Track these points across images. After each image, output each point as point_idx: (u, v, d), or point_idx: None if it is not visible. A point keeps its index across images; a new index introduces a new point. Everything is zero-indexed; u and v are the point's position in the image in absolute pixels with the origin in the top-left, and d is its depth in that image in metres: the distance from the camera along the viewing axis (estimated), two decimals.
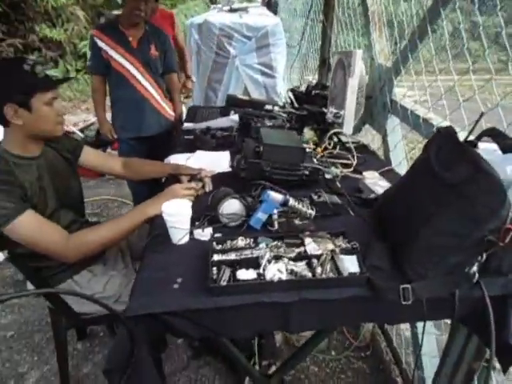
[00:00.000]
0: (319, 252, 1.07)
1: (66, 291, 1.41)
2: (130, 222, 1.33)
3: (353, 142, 1.94)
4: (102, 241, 1.32)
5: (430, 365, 1.57)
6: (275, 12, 4.94)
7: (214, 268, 1.03)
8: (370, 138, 2.18)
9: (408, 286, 0.95)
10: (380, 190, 1.42)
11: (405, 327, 1.85)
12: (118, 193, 3.64)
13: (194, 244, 1.19)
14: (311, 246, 1.09)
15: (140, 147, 2.50)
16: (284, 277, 0.98)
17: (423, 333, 1.06)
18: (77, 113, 6.28)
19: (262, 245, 1.10)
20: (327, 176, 1.54)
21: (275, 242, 1.11)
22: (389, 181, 1.50)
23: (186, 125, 2.27)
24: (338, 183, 1.48)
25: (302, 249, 1.09)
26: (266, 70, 3.54)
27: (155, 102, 2.43)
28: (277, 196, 1.20)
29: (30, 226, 1.25)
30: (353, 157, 1.76)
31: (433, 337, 1.56)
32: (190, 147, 1.96)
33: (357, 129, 2.30)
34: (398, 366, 1.80)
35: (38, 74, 1.28)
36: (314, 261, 1.05)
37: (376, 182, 1.48)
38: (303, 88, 2.75)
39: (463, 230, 0.94)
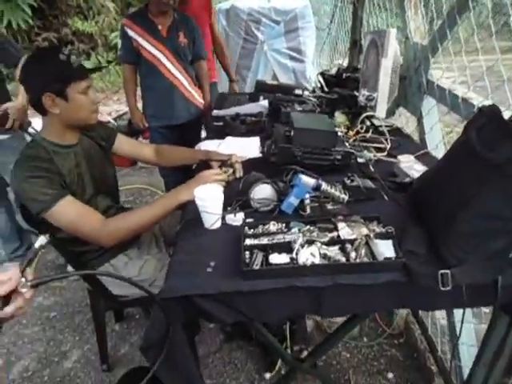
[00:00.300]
0: (353, 237, 1.05)
1: (103, 273, 1.46)
2: (162, 207, 1.35)
3: (386, 126, 1.88)
4: (135, 226, 1.35)
5: (468, 354, 1.52)
6: None
7: (247, 252, 1.04)
8: (404, 121, 2.10)
9: (447, 271, 0.92)
10: (416, 174, 1.37)
11: (440, 316, 1.80)
12: (150, 181, 3.72)
13: (226, 229, 1.20)
14: (345, 231, 1.07)
15: (171, 135, 2.53)
16: (317, 261, 0.97)
17: (462, 321, 1.03)
18: (109, 103, 6.44)
19: (295, 229, 1.09)
20: (360, 160, 1.50)
21: (308, 227, 1.10)
22: (425, 164, 1.45)
23: (216, 111, 2.27)
24: (371, 167, 1.45)
25: (335, 233, 1.08)
26: (295, 55, 3.48)
27: (184, 89, 2.45)
28: (309, 180, 1.18)
29: (69, 211, 1.30)
30: (386, 140, 1.71)
31: (471, 325, 1.51)
32: (220, 134, 1.97)
33: (390, 112, 2.22)
34: (432, 354, 1.75)
35: (73, 64, 1.31)
36: (348, 246, 1.03)
37: (411, 166, 1.43)
38: (333, 71, 2.69)
39: (507, 213, 0.90)
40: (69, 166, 1.40)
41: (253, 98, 2.27)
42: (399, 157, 1.49)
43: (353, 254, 1.00)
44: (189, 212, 1.30)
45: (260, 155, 1.71)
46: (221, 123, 2.05)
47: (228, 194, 1.27)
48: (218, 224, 1.20)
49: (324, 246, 1.02)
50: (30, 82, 1.32)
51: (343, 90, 2.31)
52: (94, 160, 1.54)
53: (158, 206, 1.37)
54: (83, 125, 1.43)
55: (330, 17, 3.47)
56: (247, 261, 1.01)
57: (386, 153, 1.61)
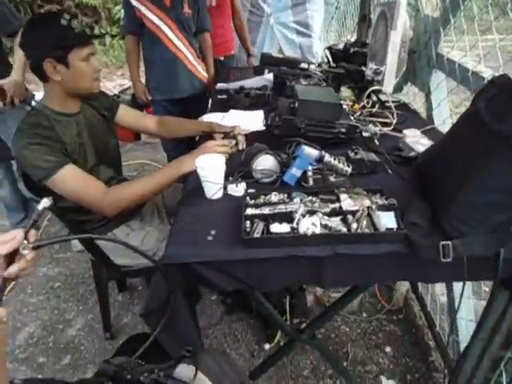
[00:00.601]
0: (355, 208, 1.05)
1: (105, 237, 1.47)
2: (164, 177, 1.34)
3: (393, 101, 1.84)
4: (137, 195, 1.35)
5: (466, 329, 1.53)
6: None
7: (248, 221, 1.03)
8: (411, 97, 2.06)
9: (449, 242, 0.91)
10: (421, 149, 1.35)
11: (440, 292, 1.81)
12: (153, 157, 3.71)
13: (228, 199, 1.19)
14: (347, 202, 1.06)
15: (174, 108, 2.50)
16: (318, 231, 0.97)
17: (461, 295, 1.03)
18: (113, 78, 6.37)
19: (296, 200, 1.08)
20: (365, 134, 1.48)
21: (309, 198, 1.09)
22: (431, 139, 1.42)
23: (220, 85, 2.24)
24: (376, 141, 1.42)
25: (337, 205, 1.07)
26: (302, 29, 3.39)
27: (188, 62, 2.40)
28: (312, 151, 1.16)
29: (71, 178, 1.29)
30: (392, 115, 1.68)
31: (470, 301, 1.51)
32: (224, 107, 1.94)
33: (398, 87, 2.18)
34: (431, 329, 1.77)
35: (74, 29, 1.28)
36: (350, 217, 1.03)
37: (417, 141, 1.41)
38: (341, 46, 2.62)
39: None
40: (70, 134, 1.39)
41: (258, 71, 2.22)
42: (405, 131, 1.47)
43: (354, 225, 0.99)
44: (190, 182, 1.29)
45: (264, 128, 1.68)
46: (224, 96, 2.02)
47: (230, 165, 1.26)
48: (220, 194, 1.20)
49: (325, 217, 1.02)
50: (31, 47, 1.29)
51: (350, 64, 2.26)
52: (96, 130, 1.52)
53: (160, 175, 1.36)
54: (85, 93, 1.41)
55: None
56: (248, 229, 1.01)
57: (391, 127, 1.59)
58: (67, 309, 2.11)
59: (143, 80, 2.55)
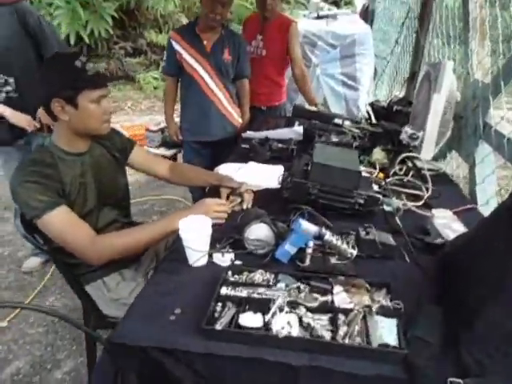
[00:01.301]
0: (349, 306, 0.86)
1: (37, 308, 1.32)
2: (156, 231, 1.25)
3: (430, 170, 1.64)
4: (124, 247, 1.26)
5: None
6: (371, 21, 4.64)
7: (219, 304, 0.88)
8: (454, 167, 1.83)
9: (460, 381, 0.69)
10: (451, 235, 1.13)
11: None
12: (184, 194, 3.69)
13: (211, 268, 1.05)
14: (341, 297, 0.88)
15: (203, 151, 2.46)
16: (295, 332, 0.79)
17: None
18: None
19: (281, 285, 0.92)
20: (386, 208, 1.29)
21: (297, 284, 0.91)
22: (466, 224, 1.20)
23: (248, 133, 2.16)
24: (397, 219, 1.22)
25: (328, 297, 0.88)
26: (349, 82, 3.29)
27: (222, 106, 2.37)
28: (310, 227, 1.00)
29: (59, 222, 1.23)
30: (426, 188, 1.47)
31: None
32: (244, 157, 1.85)
33: (441, 154, 1.97)
34: None
35: (87, 71, 1.26)
36: (341, 316, 0.84)
37: (448, 224, 1.19)
38: (385, 103, 2.47)
39: None
40: (73, 174, 1.35)
41: (288, 122, 2.13)
42: (434, 210, 1.25)
43: (343, 330, 0.80)
44: (178, 240, 1.17)
45: (279, 187, 1.55)
46: (248, 146, 1.93)
47: (223, 228, 1.13)
48: (203, 261, 1.06)
49: (309, 314, 0.83)
50: (42, 85, 1.29)
51: (391, 124, 2.09)
52: (103, 170, 1.48)
53: (151, 229, 1.27)
54: (93, 134, 1.38)
55: (392, 45, 3.26)
56: (216, 314, 0.86)
57: (421, 202, 1.38)
58: (61, 347, 2.02)
59: (178, 120, 2.56)
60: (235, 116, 2.48)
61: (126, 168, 1.61)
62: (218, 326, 0.79)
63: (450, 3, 2.32)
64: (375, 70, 3.70)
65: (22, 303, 0.92)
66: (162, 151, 3.88)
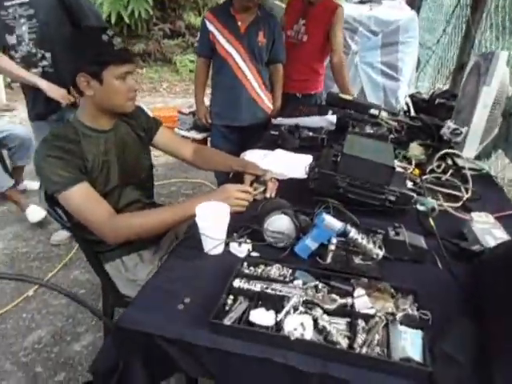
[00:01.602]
0: (371, 311, 0.79)
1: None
2: (174, 215, 1.22)
3: (472, 169, 1.51)
4: (142, 228, 1.24)
5: None
6: (418, 9, 4.38)
7: (230, 296, 0.83)
8: (499, 168, 1.69)
9: None
10: (491, 242, 1.02)
11: None
12: (213, 178, 3.67)
13: (227, 258, 1.01)
14: (362, 300, 0.81)
15: (231, 136, 2.41)
16: (308, 335, 0.73)
17: None
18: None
19: (298, 282, 0.85)
20: (420, 208, 1.19)
21: (315, 283, 0.85)
22: (509, 232, 1.09)
23: (278, 119, 2.09)
24: (431, 220, 1.12)
25: (348, 300, 0.82)
26: (389, 71, 3.12)
27: (253, 91, 2.30)
28: (334, 222, 0.93)
29: (80, 197, 1.22)
30: (466, 189, 1.36)
31: None
32: (272, 144, 1.78)
33: (486, 154, 1.81)
34: None
35: (114, 46, 1.23)
36: (360, 322, 0.77)
37: (488, 230, 1.08)
38: (427, 95, 2.32)
39: None
40: (96, 151, 1.33)
41: (321, 111, 2.03)
42: (473, 214, 1.14)
43: (361, 338, 0.73)
44: (195, 226, 1.13)
45: (305, 177, 1.48)
46: (277, 132, 1.86)
47: (241, 217, 1.08)
48: (219, 250, 1.02)
49: (325, 316, 0.77)
50: (68, 59, 1.27)
51: (431, 118, 1.96)
52: (127, 149, 1.46)
53: (170, 212, 1.24)
54: (117, 111, 1.35)
55: (439, 35, 3.05)
56: (227, 307, 0.81)
57: (459, 204, 1.27)
58: (81, 320, 2.07)
59: (208, 103, 2.51)
60: (266, 101, 2.40)
61: (153, 149, 1.59)
62: (227, 321, 0.75)
63: None
64: (418, 60, 3.49)
65: (40, 279, 0.91)
66: (193, 134, 3.84)
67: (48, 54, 2.09)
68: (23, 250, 2.60)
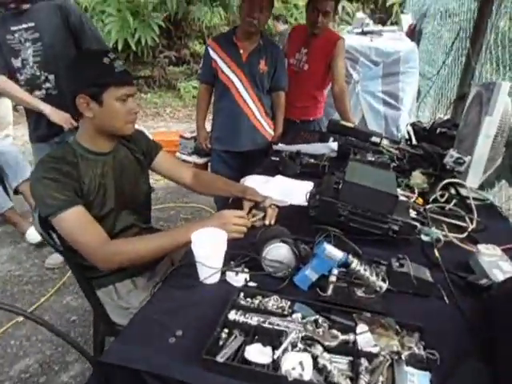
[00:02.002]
0: (374, 350, 0.74)
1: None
2: (169, 241, 1.18)
3: (476, 199, 1.48)
4: (136, 255, 1.19)
5: None
6: (418, 41, 4.48)
7: (225, 330, 0.78)
8: (503, 199, 1.66)
9: None
10: (499, 276, 0.98)
11: None
12: (212, 203, 3.64)
13: (223, 287, 0.96)
14: (365, 338, 0.76)
15: (231, 161, 2.40)
16: (307, 375, 0.68)
17: None
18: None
19: (297, 315, 0.81)
20: (424, 238, 1.15)
21: (315, 317, 0.80)
22: None
23: (279, 146, 2.08)
24: (436, 251, 1.08)
25: (350, 337, 0.77)
26: (390, 101, 3.15)
27: (254, 118, 2.30)
28: (335, 252, 0.89)
29: (73, 221, 1.19)
30: (471, 219, 1.32)
31: None
32: (272, 170, 1.76)
33: (488, 184, 1.79)
34: None
35: (115, 68, 1.23)
36: (363, 361, 0.72)
37: (495, 263, 1.04)
38: (428, 124, 2.32)
39: None
40: (92, 174, 1.31)
41: (322, 138, 2.03)
42: (480, 246, 1.10)
43: (364, 379, 0.68)
44: (191, 252, 1.09)
45: (306, 204, 1.45)
46: (277, 158, 1.84)
47: (240, 243, 1.04)
48: (215, 279, 0.98)
49: (326, 354, 0.72)
50: (69, 80, 1.27)
51: (433, 146, 1.95)
52: (125, 173, 1.43)
53: (166, 238, 1.20)
54: (117, 134, 1.34)
55: (439, 66, 3.10)
56: (220, 342, 0.76)
57: (464, 235, 1.23)
58: (70, 349, 1.98)
59: (209, 128, 2.52)
60: (267, 128, 2.41)
61: (153, 173, 1.57)
62: (220, 358, 0.70)
63: (504, 26, 2.17)
64: (419, 90, 3.53)
65: (22, 310, 0.85)
66: (194, 159, 3.85)
67: (51, 77, 2.11)
68: (16, 273, 2.54)
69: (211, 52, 2.24)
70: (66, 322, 2.16)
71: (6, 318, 2.15)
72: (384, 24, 5.55)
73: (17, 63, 2.04)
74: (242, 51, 2.20)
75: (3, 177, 2.73)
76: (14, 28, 2.00)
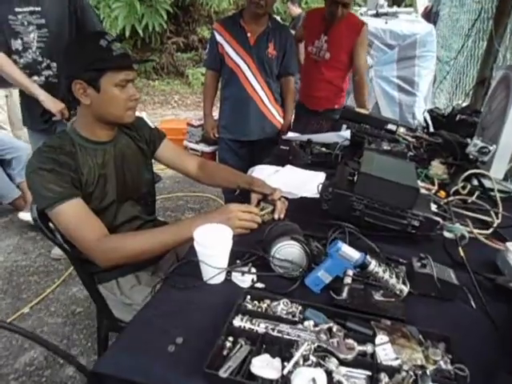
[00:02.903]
0: (395, 363, 0.66)
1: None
2: (172, 236, 1.11)
3: (501, 191, 1.38)
4: (137, 250, 1.13)
5: None
6: (434, 24, 4.29)
7: (230, 338, 0.71)
8: None
9: None
10: None
11: None
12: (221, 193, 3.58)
13: (228, 288, 0.89)
14: (385, 349, 0.68)
15: (239, 150, 2.32)
16: None
17: None
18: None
19: (309, 322, 0.73)
20: (447, 235, 1.06)
21: (329, 324, 0.73)
22: None
23: (289, 134, 1.98)
24: (461, 250, 0.99)
25: (368, 347, 0.69)
26: (405, 86, 3.01)
27: (262, 104, 2.21)
28: (351, 253, 0.81)
29: (70, 215, 1.12)
30: (496, 213, 1.22)
31: None
32: (282, 159, 1.67)
33: None
34: None
35: (113, 51, 1.14)
36: (383, 377, 0.64)
37: None
38: (447, 111, 2.20)
39: None
40: (92, 164, 1.24)
41: (335, 126, 1.93)
42: (509, 243, 1.01)
43: None
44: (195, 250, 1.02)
45: (317, 196, 1.36)
46: (287, 148, 1.75)
47: (247, 240, 0.96)
48: (220, 279, 0.90)
49: (342, 368, 0.64)
50: (65, 65, 1.19)
51: (452, 134, 1.84)
52: (128, 162, 1.36)
53: (167, 233, 1.13)
54: (116, 122, 1.26)
55: (458, 48, 2.94)
56: (224, 352, 0.69)
57: (490, 231, 1.13)
58: (76, 342, 1.95)
59: (216, 116, 2.43)
60: (276, 116, 2.31)
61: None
62: (223, 373, 0.62)
63: None
64: (434, 76, 3.38)
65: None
66: (202, 147, 3.76)
67: (54, 64, 2.04)
68: (22, 264, 2.51)
69: (217, 36, 2.14)
70: (72, 314, 2.13)
71: (12, 308, 2.13)
72: (399, 5, 5.33)
73: (16, 45, 1.97)
74: (249, 34, 2.10)
75: (10, 170, 2.73)
76: (18, 9, 1.93)
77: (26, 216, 2.67)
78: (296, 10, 5.65)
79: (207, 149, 3.56)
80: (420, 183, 1.37)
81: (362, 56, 2.30)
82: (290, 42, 2.19)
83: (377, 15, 3.11)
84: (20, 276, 2.40)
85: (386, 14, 3.07)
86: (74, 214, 1.13)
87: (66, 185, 1.13)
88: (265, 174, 1.53)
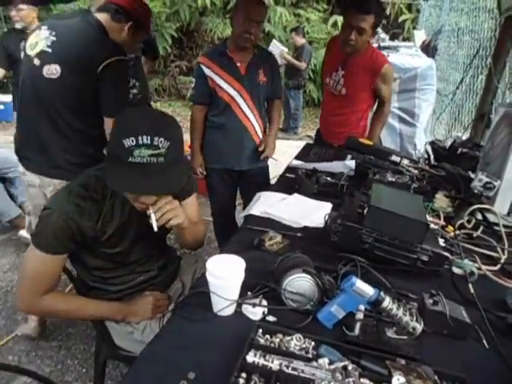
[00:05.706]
0: None
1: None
2: (106, 313, 1.25)
3: (506, 227, 1.39)
4: (65, 315, 1.30)
5: None
6: (433, 57, 4.43)
7: (243, 375, 0.70)
8: None
9: None
10: None
11: None
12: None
13: (239, 320, 0.88)
14: None
15: (229, 179, 2.27)
16: None
17: None
18: None
19: (323, 360, 0.72)
20: (456, 271, 1.06)
21: (344, 363, 0.72)
22: None
23: (294, 162, 2.00)
24: (470, 286, 0.99)
25: None
26: (406, 117, 3.08)
27: (255, 135, 2.18)
28: (365, 289, 0.81)
29: (36, 263, 1.14)
30: (502, 249, 1.23)
31: None
32: (288, 188, 1.68)
33: None
34: None
35: (130, 157, 0.99)
36: None
37: None
38: (448, 143, 2.24)
39: None
40: (117, 210, 1.19)
41: (339, 155, 1.95)
42: None
43: None
44: (203, 281, 1.01)
45: (322, 226, 1.36)
46: (293, 175, 1.77)
47: (258, 271, 0.96)
48: (231, 310, 0.89)
49: None
50: None
51: (454, 167, 1.86)
52: None
53: (104, 310, 1.24)
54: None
55: (456, 82, 3.03)
56: None
57: (498, 267, 1.14)
58: (71, 367, 1.90)
59: None
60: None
61: None
62: None
63: None
64: (434, 107, 3.46)
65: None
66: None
67: (138, 83, 2.26)
68: None
69: (205, 70, 2.06)
70: (67, 337, 2.08)
71: (5, 330, 2.08)
72: (397, 39, 5.51)
73: None
74: (239, 64, 2.04)
75: (13, 189, 2.74)
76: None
77: (26, 234, 2.65)
78: (300, 41, 5.76)
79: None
80: (428, 217, 1.38)
81: (388, 93, 2.22)
82: (276, 66, 2.22)
83: (379, 48, 3.20)
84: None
85: (387, 48, 3.17)
86: (39, 265, 1.13)
87: (62, 240, 1.11)
88: (271, 201, 1.53)
